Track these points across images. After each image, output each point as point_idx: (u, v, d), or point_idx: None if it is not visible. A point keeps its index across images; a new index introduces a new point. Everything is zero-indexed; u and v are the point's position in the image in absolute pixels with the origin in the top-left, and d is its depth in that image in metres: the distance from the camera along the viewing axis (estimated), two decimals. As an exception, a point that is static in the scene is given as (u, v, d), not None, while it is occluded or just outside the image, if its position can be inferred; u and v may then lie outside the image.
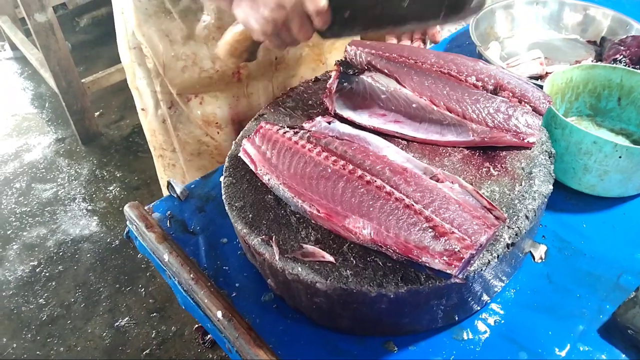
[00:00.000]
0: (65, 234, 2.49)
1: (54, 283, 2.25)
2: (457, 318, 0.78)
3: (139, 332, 2.04)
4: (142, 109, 1.22)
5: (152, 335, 2.02)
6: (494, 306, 0.80)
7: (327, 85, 0.91)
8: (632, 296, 0.74)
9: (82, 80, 2.94)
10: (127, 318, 2.08)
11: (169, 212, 0.96)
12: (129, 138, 3.04)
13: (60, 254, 2.38)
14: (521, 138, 0.81)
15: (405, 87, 0.85)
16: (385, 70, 0.87)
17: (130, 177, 2.76)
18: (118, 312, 2.11)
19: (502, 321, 0.78)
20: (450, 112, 0.82)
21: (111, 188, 2.71)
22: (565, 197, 0.95)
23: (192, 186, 1.00)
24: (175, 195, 0.97)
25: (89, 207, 2.62)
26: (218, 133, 1.21)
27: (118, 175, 2.79)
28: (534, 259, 0.85)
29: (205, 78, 1.12)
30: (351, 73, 0.87)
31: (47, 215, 2.59)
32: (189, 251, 0.89)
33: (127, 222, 0.94)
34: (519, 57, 1.19)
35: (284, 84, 1.24)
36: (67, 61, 2.81)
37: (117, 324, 2.07)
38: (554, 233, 0.89)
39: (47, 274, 2.29)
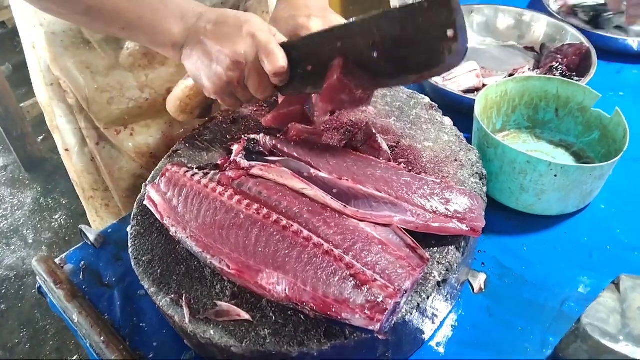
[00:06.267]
0: (9, 269, 2.35)
1: (-5, 324, 2.12)
2: (392, 364, 0.72)
3: (89, 371, 1.93)
4: (66, 150, 1.12)
5: (104, 373, 1.92)
6: (432, 345, 0.75)
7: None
8: (573, 328, 0.70)
9: (21, 105, 2.81)
10: (75, 356, 1.97)
11: (82, 262, 0.88)
12: (74, 162, 2.91)
13: (3, 291, 2.25)
14: (468, 226, 0.69)
15: (320, 170, 0.74)
16: (295, 154, 0.76)
17: (76, 203, 2.63)
18: (66, 351, 2.00)
19: (442, 363, 0.73)
20: (380, 192, 0.71)
21: (57, 216, 2.59)
22: (505, 218, 0.90)
23: (109, 231, 0.92)
24: (89, 243, 0.89)
25: (34, 239, 2.49)
26: (154, 164, 1.12)
27: (64, 202, 2.66)
28: (473, 289, 0.81)
29: (134, 108, 1.04)
30: (256, 151, 0.77)
31: (-11, 251, 2.45)
32: (103, 307, 0.81)
33: (37, 278, 0.86)
34: (455, 71, 1.15)
35: (217, 104, 1.17)
36: (2, 86, 2.67)
37: (65, 363, 1.96)
38: (494, 259, 0.85)
39: (-11, 315, 2.16)
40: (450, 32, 0.63)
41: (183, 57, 0.77)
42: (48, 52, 0.99)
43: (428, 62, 0.67)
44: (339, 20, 0.91)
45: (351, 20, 0.72)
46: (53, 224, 2.55)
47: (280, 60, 0.72)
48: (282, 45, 0.74)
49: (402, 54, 0.68)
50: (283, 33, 0.88)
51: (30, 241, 2.48)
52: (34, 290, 2.23)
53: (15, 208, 2.67)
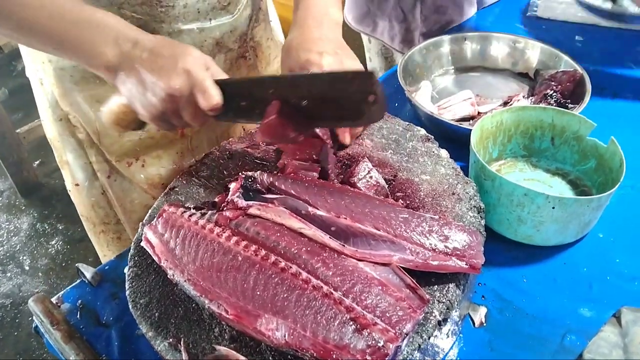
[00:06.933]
0: (4, 296, 2.33)
1: (-9, 354, 2.10)
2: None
3: (86, 401, 1.90)
4: (76, 185, 1.12)
5: (101, 403, 1.89)
6: (434, 383, 0.74)
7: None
8: (575, 365, 0.69)
9: (17, 131, 2.80)
10: (72, 386, 1.95)
11: (79, 301, 0.87)
12: (71, 186, 2.90)
13: (-1, 319, 2.23)
14: (467, 263, 0.69)
15: (318, 209, 0.74)
16: (292, 192, 0.76)
17: (73, 228, 2.63)
18: (63, 380, 1.97)
19: (443, 402, 0.72)
20: (379, 230, 0.71)
21: (53, 242, 2.57)
22: (504, 249, 0.90)
23: (106, 267, 0.92)
24: (86, 281, 0.89)
25: (30, 265, 2.47)
26: None
27: (60, 227, 2.65)
28: (474, 324, 0.80)
29: (146, 139, 1.04)
30: (253, 188, 0.77)
31: (-16, 278, 2.43)
32: (101, 347, 0.80)
33: (34, 317, 0.85)
34: (450, 99, 1.15)
35: (228, 132, 1.18)
36: (-2, 112, 2.67)
37: (62, 393, 1.93)
38: (493, 292, 0.84)
39: (-15, 344, 2.14)
40: (371, 98, 0.73)
41: (117, 81, 0.78)
42: (57, 87, 0.99)
43: (351, 116, 0.78)
44: (352, 60, 0.90)
45: (283, 74, 0.84)
46: (50, 249, 2.54)
47: (214, 98, 0.76)
48: (217, 81, 0.78)
49: (329, 107, 0.77)
50: (292, 65, 0.88)
51: (27, 267, 2.47)
52: (30, 318, 2.21)
53: (12, 234, 2.66)
